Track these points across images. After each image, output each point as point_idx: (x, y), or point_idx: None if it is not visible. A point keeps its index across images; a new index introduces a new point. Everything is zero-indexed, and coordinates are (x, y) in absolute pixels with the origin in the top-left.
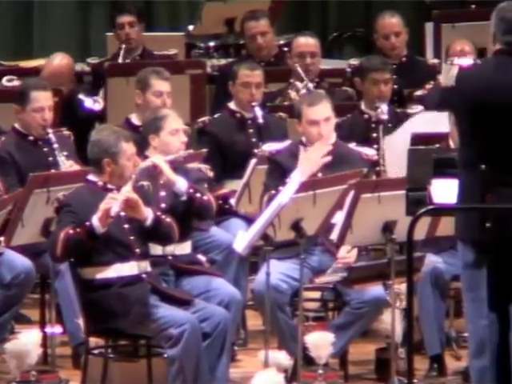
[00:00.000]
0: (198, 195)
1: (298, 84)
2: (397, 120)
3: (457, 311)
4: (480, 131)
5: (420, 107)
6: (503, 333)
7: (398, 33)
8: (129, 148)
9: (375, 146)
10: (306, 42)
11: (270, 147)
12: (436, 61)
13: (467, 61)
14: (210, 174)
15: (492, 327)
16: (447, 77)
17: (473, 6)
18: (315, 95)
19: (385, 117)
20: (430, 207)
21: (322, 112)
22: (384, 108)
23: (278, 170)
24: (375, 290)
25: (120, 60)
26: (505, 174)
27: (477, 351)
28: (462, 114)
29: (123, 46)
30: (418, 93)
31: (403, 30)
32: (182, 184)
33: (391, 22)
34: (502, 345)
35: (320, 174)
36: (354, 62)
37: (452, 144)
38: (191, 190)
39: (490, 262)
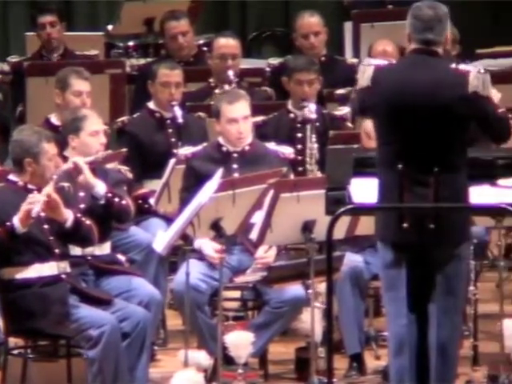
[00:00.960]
0: (117, 200)
1: (226, 86)
2: (323, 120)
3: (376, 310)
4: (396, 131)
5: (346, 108)
6: (422, 332)
7: (317, 32)
8: (50, 148)
9: (299, 146)
10: (227, 43)
11: (186, 150)
12: (355, 60)
13: (382, 61)
14: (130, 175)
15: (411, 327)
16: (363, 78)
17: (390, 6)
18: (234, 93)
19: (313, 116)
20: (350, 206)
21: (241, 110)
22: (312, 107)
23: (194, 174)
24: (295, 289)
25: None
26: (422, 174)
27: (396, 350)
28: (378, 113)
29: (46, 45)
30: (339, 92)
31: (322, 29)
32: (100, 188)
33: (310, 21)
34: (420, 344)
35: (237, 174)
36: (274, 61)
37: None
38: (109, 195)
39: (409, 262)
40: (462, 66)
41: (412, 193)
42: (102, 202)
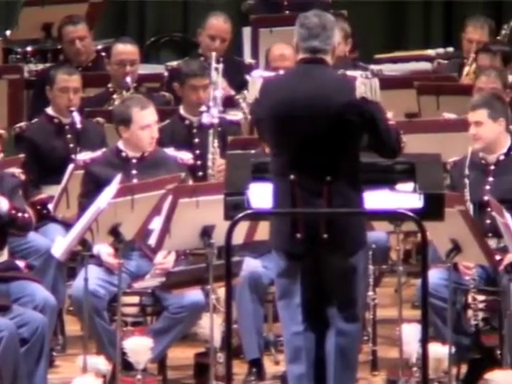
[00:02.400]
0: (20, 215)
1: (125, 93)
2: (220, 124)
3: (275, 315)
4: (286, 142)
5: (240, 113)
6: (318, 340)
7: (223, 38)
8: None
9: (198, 152)
10: (125, 49)
11: (84, 156)
12: (253, 61)
13: (270, 73)
14: (22, 177)
15: (307, 334)
16: (253, 90)
17: (288, 12)
18: (141, 100)
19: (215, 121)
20: (248, 212)
21: (153, 115)
22: (214, 112)
23: (93, 180)
24: (194, 294)
25: None
26: (314, 183)
27: (293, 357)
28: (268, 125)
29: None
30: (238, 97)
31: (229, 37)
32: (3, 205)
33: (222, 26)
34: (317, 352)
35: (136, 180)
36: (172, 63)
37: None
38: (13, 212)
39: (303, 270)
40: (349, 72)
41: (305, 203)
42: (6, 219)
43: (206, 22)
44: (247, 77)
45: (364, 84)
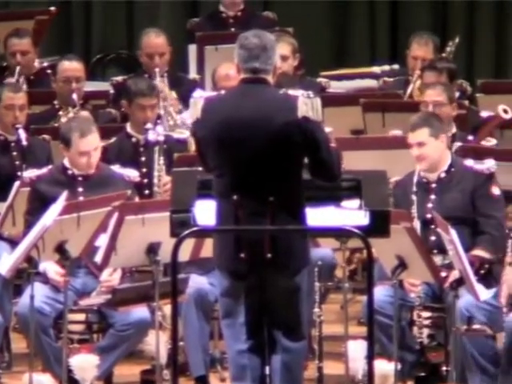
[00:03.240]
0: None
1: (71, 109)
2: (166, 142)
3: (221, 332)
4: (228, 162)
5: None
6: (262, 359)
7: (162, 53)
8: None
9: (144, 170)
10: (71, 66)
11: (30, 173)
12: (198, 76)
13: (212, 93)
14: None
15: (251, 353)
16: (195, 110)
17: (233, 29)
18: (85, 124)
19: (161, 138)
20: (194, 229)
21: (93, 143)
22: (159, 129)
23: (39, 197)
24: (140, 311)
25: None
26: (257, 204)
27: (237, 376)
28: (209, 146)
29: None
30: (183, 115)
31: (167, 49)
32: None
33: (156, 42)
34: (261, 371)
35: (82, 197)
36: (117, 78)
37: None
38: None
39: (246, 290)
40: (291, 92)
41: (248, 223)
42: None
43: (141, 41)
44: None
45: (305, 103)
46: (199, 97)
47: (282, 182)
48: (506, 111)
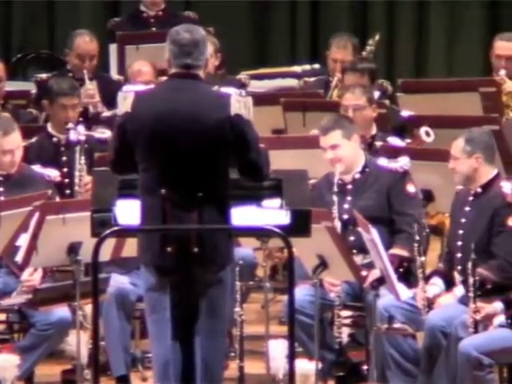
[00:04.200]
0: None
1: None
2: (87, 141)
3: (142, 332)
4: (157, 156)
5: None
6: (186, 355)
7: (92, 56)
8: None
9: (65, 169)
10: None
11: None
12: (121, 77)
13: (143, 87)
14: None
15: (175, 349)
16: (123, 104)
17: (154, 29)
18: (7, 122)
19: (82, 138)
20: (115, 228)
21: (15, 141)
22: (81, 129)
23: None
24: (61, 311)
25: None
26: (185, 199)
27: (161, 373)
28: (139, 139)
29: None
30: (105, 114)
31: (97, 53)
32: None
33: (89, 45)
34: (185, 366)
35: (3, 198)
36: (41, 75)
37: None
38: None
39: (172, 286)
40: (224, 89)
41: (175, 218)
42: None
43: (73, 42)
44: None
45: (238, 101)
46: (129, 91)
47: (211, 178)
48: (427, 134)
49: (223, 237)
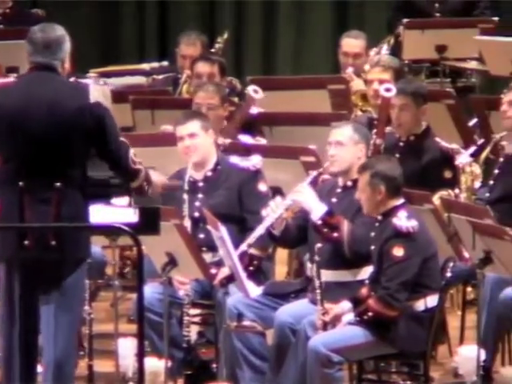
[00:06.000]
0: None
1: None
2: None
3: None
4: (15, 147)
5: None
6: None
7: None
8: None
9: None
10: None
11: None
12: None
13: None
14: None
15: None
16: None
17: (1, 26)
18: None
19: None
20: None
21: None
22: None
23: None
24: None
25: None
26: (43, 190)
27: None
28: None
29: None
30: None
31: None
32: None
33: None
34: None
35: None
36: None
37: None
38: None
39: (23, 279)
40: (82, 80)
41: (34, 211)
42: None
43: None
44: None
45: (97, 90)
46: None
47: (69, 169)
48: (256, 91)
49: (82, 232)
